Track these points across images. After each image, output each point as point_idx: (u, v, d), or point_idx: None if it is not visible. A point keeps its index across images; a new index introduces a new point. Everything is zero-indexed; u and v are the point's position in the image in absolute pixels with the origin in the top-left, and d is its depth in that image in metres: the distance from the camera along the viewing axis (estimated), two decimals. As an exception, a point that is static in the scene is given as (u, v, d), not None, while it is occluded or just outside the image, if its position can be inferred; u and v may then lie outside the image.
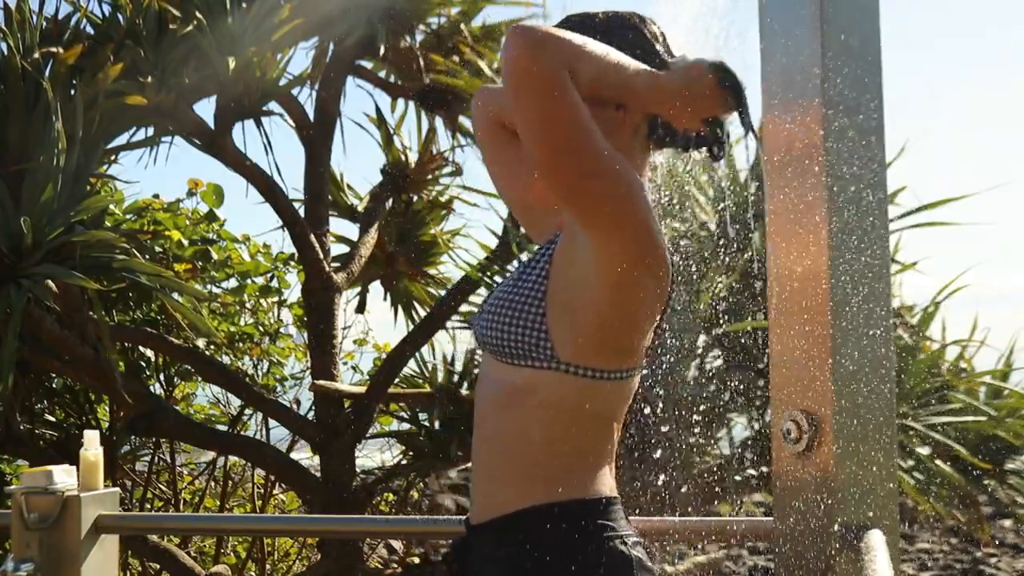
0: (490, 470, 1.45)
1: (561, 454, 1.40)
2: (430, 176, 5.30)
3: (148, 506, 4.96)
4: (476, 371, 4.54)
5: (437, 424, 4.70)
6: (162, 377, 4.98)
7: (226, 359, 5.08)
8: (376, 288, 5.54)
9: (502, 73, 1.34)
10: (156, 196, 4.83)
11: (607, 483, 1.44)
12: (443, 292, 5.32)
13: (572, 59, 1.32)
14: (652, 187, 1.54)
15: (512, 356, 1.41)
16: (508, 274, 1.52)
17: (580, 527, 1.37)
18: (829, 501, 1.36)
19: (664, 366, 1.58)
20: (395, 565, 5.40)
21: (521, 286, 1.44)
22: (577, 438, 1.41)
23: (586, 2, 1.55)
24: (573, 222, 1.39)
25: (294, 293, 5.23)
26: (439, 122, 5.11)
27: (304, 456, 4.71)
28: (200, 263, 4.80)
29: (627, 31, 1.50)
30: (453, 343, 4.95)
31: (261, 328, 5.19)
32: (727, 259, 4.09)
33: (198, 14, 3.92)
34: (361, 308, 5.53)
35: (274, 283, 5.25)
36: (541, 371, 1.39)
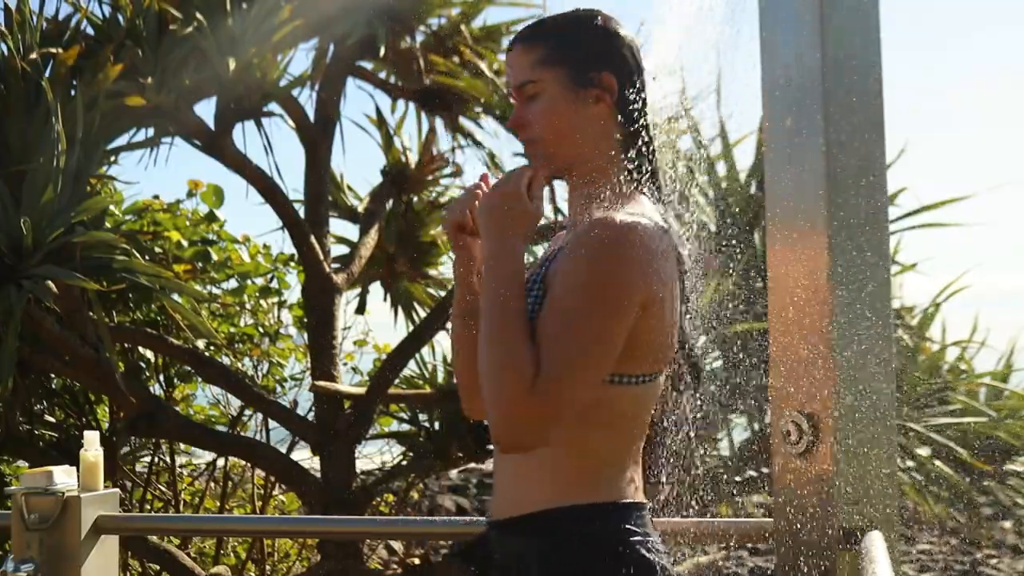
0: (515, 469, 1.46)
1: (584, 456, 1.41)
2: (430, 177, 5.30)
3: (148, 507, 4.95)
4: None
5: (437, 425, 4.70)
6: (162, 378, 4.98)
7: (226, 360, 5.08)
8: (376, 289, 5.54)
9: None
10: (156, 197, 4.82)
11: (632, 487, 1.43)
12: (443, 293, 5.32)
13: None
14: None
15: None
16: None
17: (603, 530, 1.37)
18: (829, 502, 1.36)
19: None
20: (395, 566, 5.40)
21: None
22: (599, 441, 1.41)
23: (585, 3, 1.56)
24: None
25: (294, 294, 5.23)
26: (439, 123, 5.11)
27: (304, 457, 4.71)
28: (200, 264, 4.80)
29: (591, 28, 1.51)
30: (453, 344, 4.93)
31: (261, 329, 5.18)
32: (727, 260, 4.09)
33: (198, 15, 3.92)
34: (361, 309, 5.52)
35: (274, 284, 5.25)
36: None
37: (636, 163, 1.50)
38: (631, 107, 1.49)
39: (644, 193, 1.50)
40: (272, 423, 5.07)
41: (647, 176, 1.51)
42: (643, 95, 1.50)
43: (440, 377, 4.77)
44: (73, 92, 3.66)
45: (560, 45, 1.49)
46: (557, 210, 4.07)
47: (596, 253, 1.36)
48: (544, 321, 1.36)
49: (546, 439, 1.34)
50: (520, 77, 1.50)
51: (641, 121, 1.50)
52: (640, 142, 1.50)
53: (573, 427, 1.39)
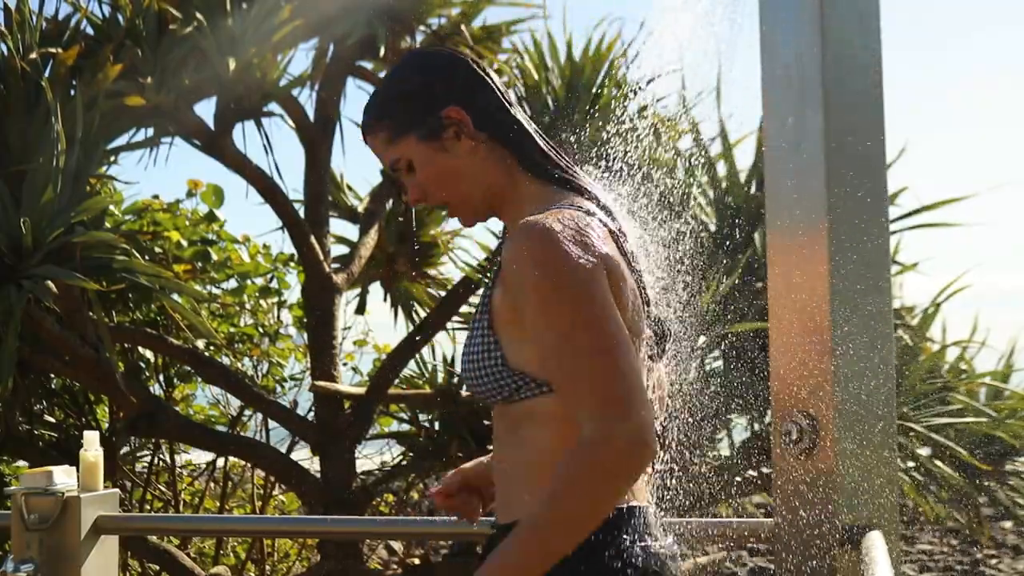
0: (508, 477, 1.47)
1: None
2: (430, 177, 5.29)
3: (148, 507, 4.96)
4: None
5: (437, 425, 4.70)
6: (162, 378, 4.98)
7: (226, 360, 5.08)
8: (376, 289, 5.54)
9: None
10: (156, 197, 4.82)
11: (632, 490, 1.41)
12: (443, 293, 5.32)
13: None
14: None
15: (502, 400, 1.42)
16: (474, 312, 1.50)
17: (595, 533, 1.36)
18: (829, 502, 1.36)
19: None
20: (395, 566, 5.40)
21: (475, 336, 1.44)
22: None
23: (583, 6, 1.56)
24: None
25: (294, 294, 5.23)
26: (439, 123, 5.10)
27: (304, 457, 4.71)
28: (200, 264, 4.80)
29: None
30: (453, 344, 4.95)
31: (261, 329, 5.18)
32: (727, 260, 4.09)
33: (198, 15, 3.92)
34: (361, 309, 5.52)
35: (274, 284, 5.25)
36: (532, 399, 1.40)
37: (529, 161, 1.48)
38: (492, 118, 1.48)
39: (577, 181, 1.49)
40: (272, 423, 5.07)
41: (550, 166, 1.49)
42: (498, 98, 1.49)
43: (440, 377, 4.77)
44: (73, 92, 3.67)
45: (396, 114, 1.48)
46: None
47: (534, 270, 1.33)
48: (548, 367, 1.34)
49: (656, 431, 1.31)
50: (386, 160, 1.52)
51: (511, 124, 1.48)
52: (522, 142, 1.49)
53: (543, 432, 1.39)
